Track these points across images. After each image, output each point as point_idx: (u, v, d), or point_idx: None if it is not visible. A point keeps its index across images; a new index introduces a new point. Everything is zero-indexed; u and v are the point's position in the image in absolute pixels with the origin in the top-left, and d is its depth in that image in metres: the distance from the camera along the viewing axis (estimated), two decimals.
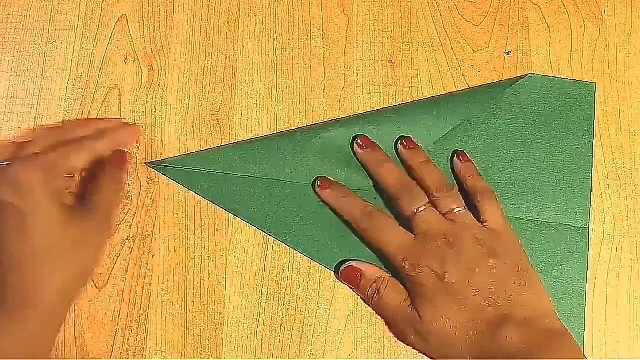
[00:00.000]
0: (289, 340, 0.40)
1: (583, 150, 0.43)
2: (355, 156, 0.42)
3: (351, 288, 0.40)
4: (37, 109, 0.43)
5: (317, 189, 0.41)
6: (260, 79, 0.44)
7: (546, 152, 0.43)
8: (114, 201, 0.40)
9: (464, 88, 0.44)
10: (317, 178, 0.41)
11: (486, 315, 0.35)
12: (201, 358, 0.40)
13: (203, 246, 0.41)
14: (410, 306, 0.37)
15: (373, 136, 0.42)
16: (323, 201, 0.41)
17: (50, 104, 0.43)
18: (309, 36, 0.45)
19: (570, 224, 0.42)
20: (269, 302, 0.41)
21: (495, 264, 0.37)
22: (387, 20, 0.46)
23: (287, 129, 0.43)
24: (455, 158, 0.42)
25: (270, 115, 0.44)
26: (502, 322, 0.35)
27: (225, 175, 0.42)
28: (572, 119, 0.44)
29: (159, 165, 0.42)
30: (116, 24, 0.45)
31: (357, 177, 0.42)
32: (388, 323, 0.40)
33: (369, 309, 0.40)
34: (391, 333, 0.40)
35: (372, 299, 0.39)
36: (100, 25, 0.45)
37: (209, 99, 0.44)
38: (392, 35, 0.45)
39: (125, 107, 0.44)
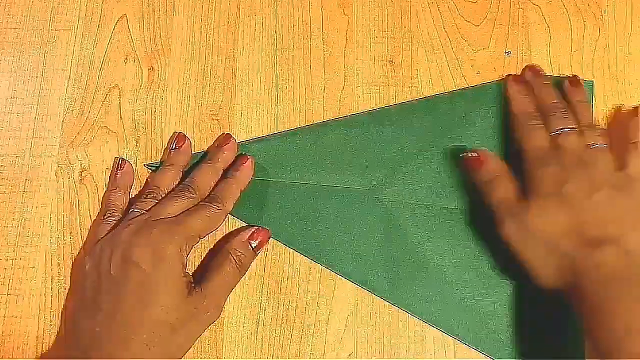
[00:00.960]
0: (289, 340, 0.40)
1: None
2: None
3: (471, 172, 0.41)
4: (37, 109, 0.43)
5: (509, 84, 0.43)
6: (260, 79, 0.44)
7: None
8: (231, 285, 0.38)
9: (462, 87, 0.44)
10: (510, 75, 0.44)
11: (591, 233, 0.36)
12: (201, 358, 0.40)
13: (203, 246, 0.41)
14: (520, 198, 0.38)
15: (371, 136, 0.42)
16: (507, 92, 0.44)
17: (50, 104, 0.44)
18: (309, 36, 0.45)
19: None
20: (269, 302, 0.41)
21: (618, 195, 0.37)
22: (387, 20, 0.46)
23: (287, 129, 0.43)
24: (629, 110, 0.43)
25: (270, 115, 0.44)
26: (603, 244, 0.35)
27: None
28: None
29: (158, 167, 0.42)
30: (116, 24, 0.45)
31: (355, 177, 0.42)
32: (492, 210, 0.39)
33: (369, 308, 0.40)
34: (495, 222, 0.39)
35: (486, 186, 0.40)
36: (100, 25, 0.45)
37: (209, 99, 0.44)
38: (392, 35, 0.45)
39: (125, 107, 0.44)
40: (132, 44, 0.45)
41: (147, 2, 0.45)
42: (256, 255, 0.40)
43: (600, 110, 0.44)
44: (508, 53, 0.45)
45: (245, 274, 0.39)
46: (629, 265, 0.34)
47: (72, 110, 0.43)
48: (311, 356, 0.40)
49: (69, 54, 0.44)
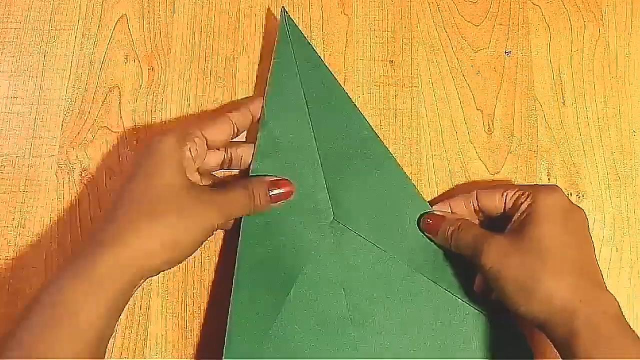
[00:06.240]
0: None
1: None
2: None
3: (430, 236, 0.40)
4: (37, 109, 0.43)
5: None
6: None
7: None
8: (238, 207, 0.38)
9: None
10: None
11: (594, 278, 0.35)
12: (201, 358, 0.40)
13: (203, 246, 0.41)
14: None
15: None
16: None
17: (50, 104, 0.43)
18: (309, 36, 0.45)
19: None
20: None
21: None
22: (387, 20, 0.46)
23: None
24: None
25: None
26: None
27: None
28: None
29: None
30: (116, 24, 0.45)
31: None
32: (468, 249, 0.38)
33: None
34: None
35: (452, 235, 0.39)
36: (100, 25, 0.45)
37: (209, 99, 0.44)
38: (392, 35, 0.45)
39: (125, 107, 0.44)
40: (132, 44, 0.45)
41: (147, 2, 0.45)
42: (271, 204, 0.39)
43: (601, 110, 0.44)
44: (508, 53, 0.45)
45: (255, 213, 0.38)
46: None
47: (72, 110, 0.43)
48: None
49: (69, 54, 0.44)
